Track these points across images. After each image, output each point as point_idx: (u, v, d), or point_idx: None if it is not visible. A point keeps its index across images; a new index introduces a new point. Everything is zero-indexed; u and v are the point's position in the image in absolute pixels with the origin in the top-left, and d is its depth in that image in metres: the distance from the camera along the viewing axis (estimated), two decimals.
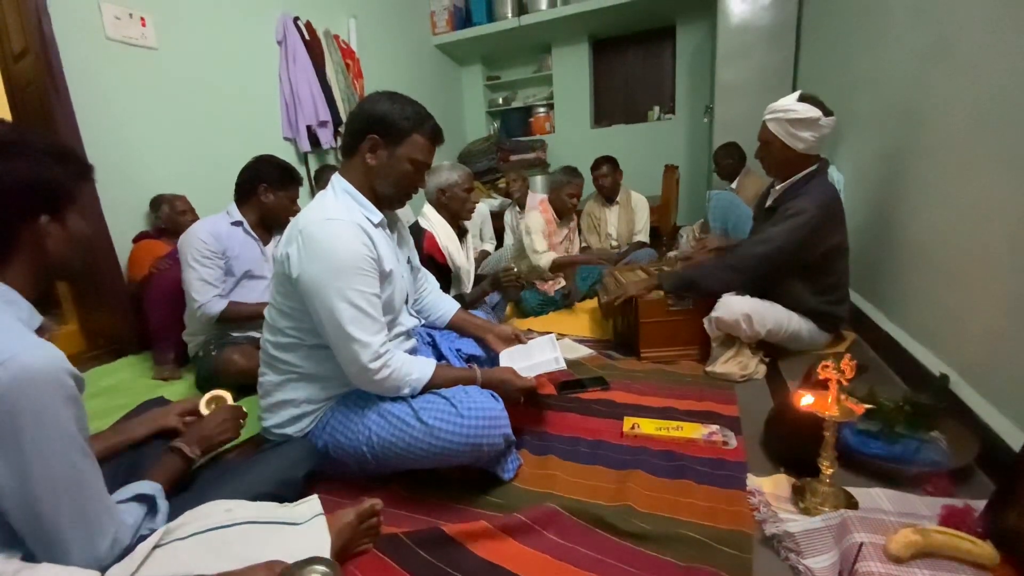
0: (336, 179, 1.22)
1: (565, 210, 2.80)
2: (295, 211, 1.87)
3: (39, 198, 0.75)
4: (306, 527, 0.86)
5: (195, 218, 2.26)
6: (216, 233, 1.80)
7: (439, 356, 1.49)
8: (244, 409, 1.17)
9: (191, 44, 2.60)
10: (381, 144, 1.17)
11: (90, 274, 2.15)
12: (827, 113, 1.60)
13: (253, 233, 1.89)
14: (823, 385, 1.05)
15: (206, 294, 1.78)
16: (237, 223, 1.85)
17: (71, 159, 0.80)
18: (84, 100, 2.09)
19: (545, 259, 2.64)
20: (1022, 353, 1.11)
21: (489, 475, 1.22)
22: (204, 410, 1.15)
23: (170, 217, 2.30)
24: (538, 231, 2.72)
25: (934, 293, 1.53)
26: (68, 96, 2.04)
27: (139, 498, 0.84)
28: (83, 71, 2.11)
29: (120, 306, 2.21)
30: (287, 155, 3.22)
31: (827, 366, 1.04)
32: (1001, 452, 1.09)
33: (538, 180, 4.38)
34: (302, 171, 3.32)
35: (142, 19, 2.36)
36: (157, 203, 2.34)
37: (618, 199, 3.22)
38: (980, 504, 0.91)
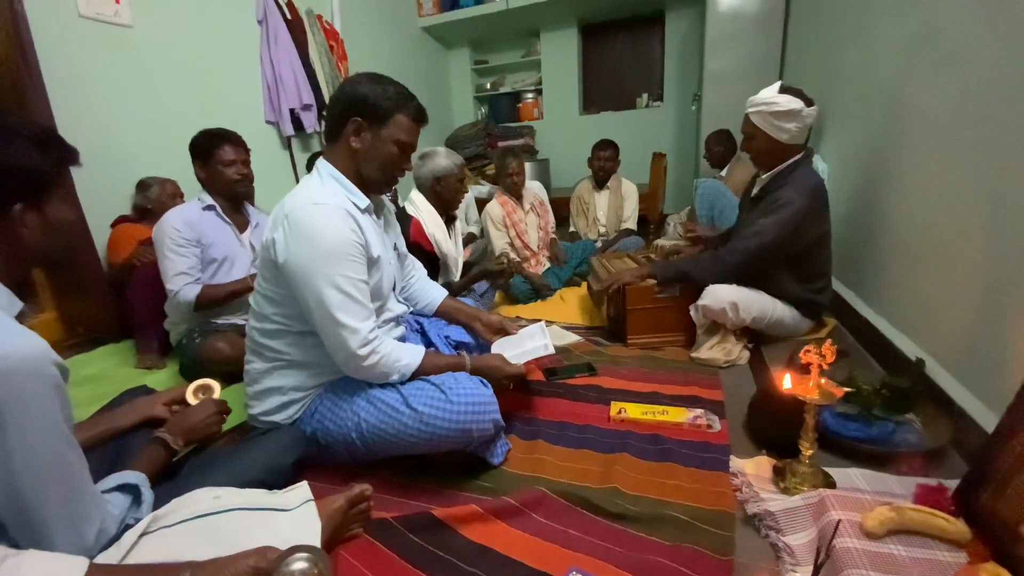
0: (321, 164, 1.20)
1: (514, 191, 2.87)
2: (242, 173, 1.82)
3: (13, 186, 0.72)
4: (296, 513, 0.86)
5: (182, 202, 2.20)
6: (188, 220, 1.76)
7: (428, 343, 1.48)
8: (228, 404, 1.16)
9: (167, 22, 2.51)
10: (365, 126, 1.15)
11: (67, 260, 2.09)
12: (808, 103, 1.61)
13: (226, 218, 1.85)
14: (805, 369, 1.08)
15: (180, 282, 1.75)
16: (209, 207, 1.82)
17: (53, 145, 0.76)
18: (57, 80, 2.01)
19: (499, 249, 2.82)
20: (996, 339, 1.15)
21: (478, 460, 1.23)
22: (191, 399, 1.14)
23: (159, 200, 2.24)
24: (492, 228, 2.86)
25: (912, 281, 1.57)
26: (40, 76, 1.96)
27: (123, 487, 0.84)
28: (55, 50, 2.03)
29: (99, 293, 2.15)
30: (270, 139, 3.15)
31: (809, 351, 1.06)
32: (974, 434, 1.13)
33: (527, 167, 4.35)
34: (285, 156, 3.26)
35: None
36: (145, 185, 2.28)
37: (608, 184, 3.22)
38: (953, 484, 0.94)
